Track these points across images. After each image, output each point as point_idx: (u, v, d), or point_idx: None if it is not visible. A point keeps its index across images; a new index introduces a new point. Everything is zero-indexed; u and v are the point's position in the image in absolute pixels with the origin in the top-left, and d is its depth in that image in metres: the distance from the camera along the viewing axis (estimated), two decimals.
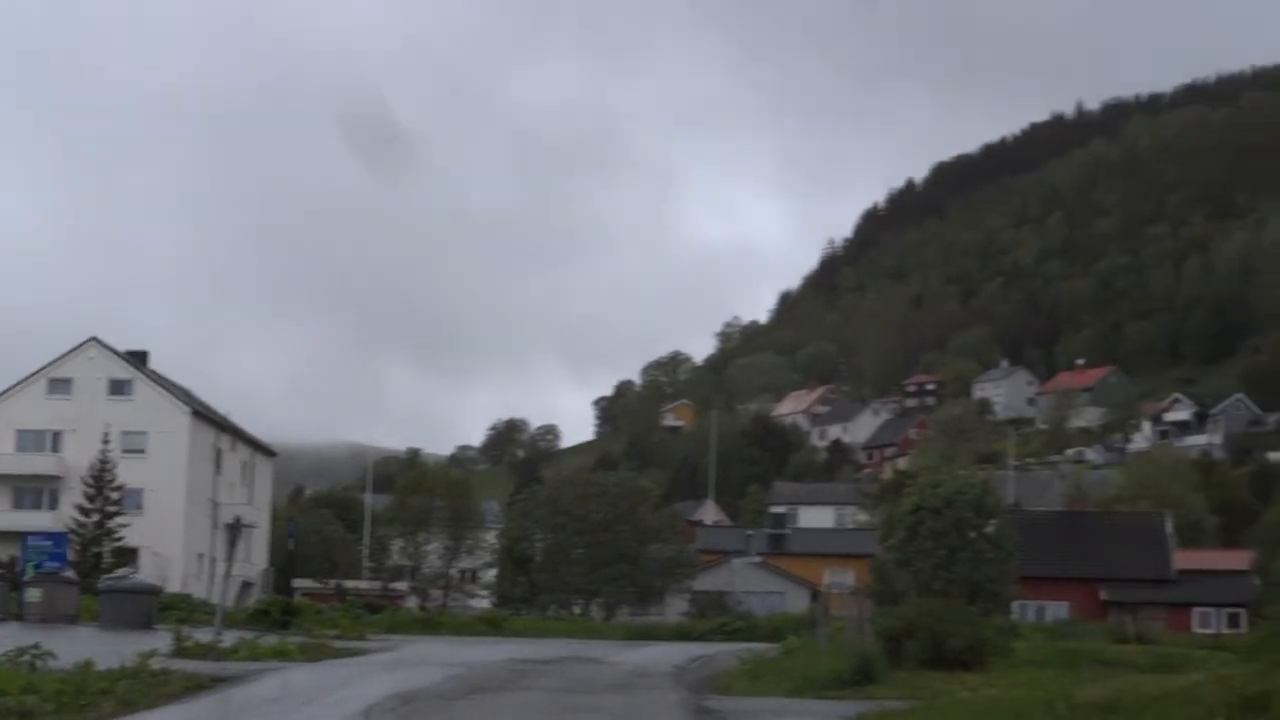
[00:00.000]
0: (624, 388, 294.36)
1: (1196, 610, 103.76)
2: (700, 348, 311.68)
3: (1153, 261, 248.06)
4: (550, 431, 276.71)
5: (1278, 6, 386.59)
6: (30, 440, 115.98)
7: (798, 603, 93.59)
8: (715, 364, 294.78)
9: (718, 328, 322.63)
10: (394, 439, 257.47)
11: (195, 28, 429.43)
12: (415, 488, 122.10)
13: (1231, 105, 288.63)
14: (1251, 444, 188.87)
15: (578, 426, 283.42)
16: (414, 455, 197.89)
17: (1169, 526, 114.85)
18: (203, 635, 42.77)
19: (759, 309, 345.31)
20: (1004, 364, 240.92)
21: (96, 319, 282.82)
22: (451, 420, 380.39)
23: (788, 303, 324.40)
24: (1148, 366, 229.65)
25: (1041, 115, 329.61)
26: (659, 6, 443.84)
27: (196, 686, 29.26)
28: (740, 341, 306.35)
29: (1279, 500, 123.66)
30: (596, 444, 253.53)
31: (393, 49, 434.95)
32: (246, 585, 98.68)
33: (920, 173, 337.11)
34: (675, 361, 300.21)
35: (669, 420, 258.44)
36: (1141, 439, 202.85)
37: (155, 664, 31.27)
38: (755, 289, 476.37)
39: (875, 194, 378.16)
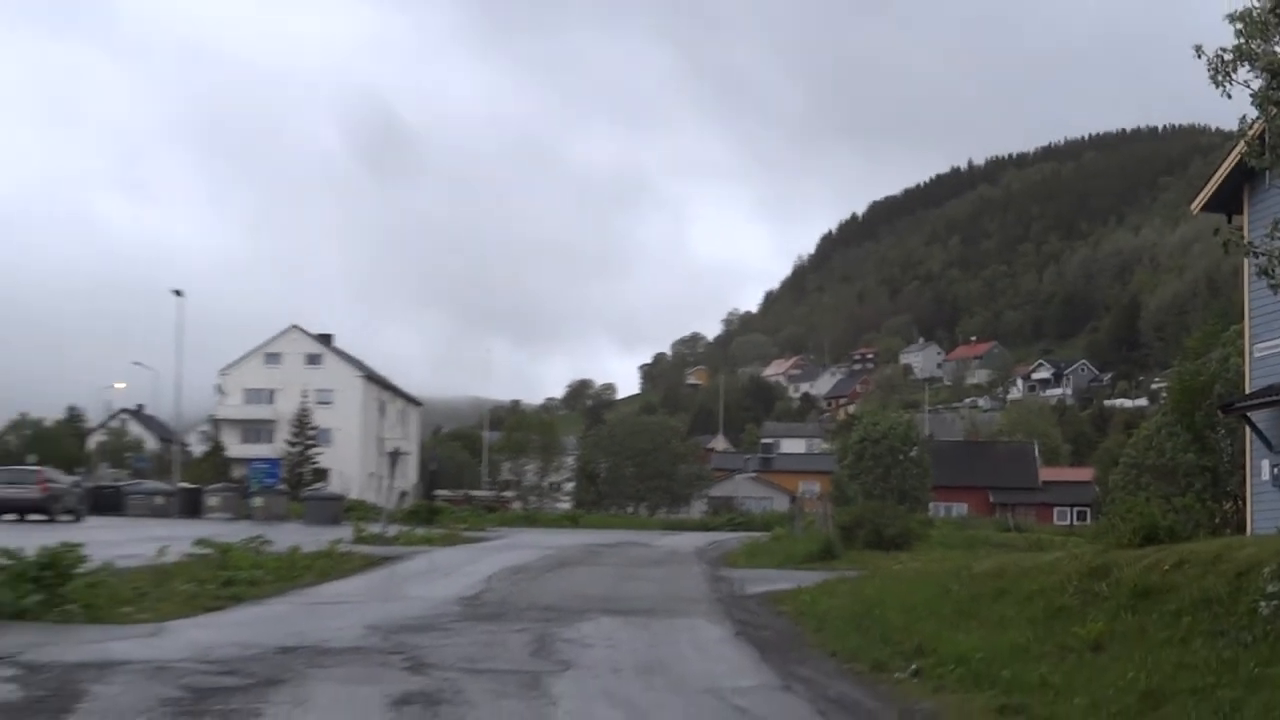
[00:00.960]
0: (659, 357, 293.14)
1: (1056, 508, 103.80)
2: (711, 329, 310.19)
3: (1022, 269, 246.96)
4: (609, 388, 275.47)
5: (1106, 92, 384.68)
6: (253, 396, 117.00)
7: (781, 505, 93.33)
8: (722, 341, 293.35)
9: (723, 315, 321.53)
10: (502, 393, 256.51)
11: (330, 106, 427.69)
12: (517, 427, 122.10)
13: (1075, 161, 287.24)
14: (1092, 394, 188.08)
15: (627, 384, 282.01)
16: (516, 404, 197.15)
17: (1036, 451, 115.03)
18: (374, 528, 42.89)
19: (751, 303, 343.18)
20: (920, 340, 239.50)
21: (297, 311, 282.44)
22: (541, 379, 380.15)
23: (771, 299, 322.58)
24: (1020, 341, 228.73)
25: (944, 168, 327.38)
26: (675, 94, 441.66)
27: (370, 563, 29.28)
28: (739, 325, 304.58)
29: (1111, 434, 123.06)
30: (641, 396, 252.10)
31: (495, 119, 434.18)
32: (403, 494, 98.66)
33: (860, 208, 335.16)
34: (694, 339, 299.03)
35: (691, 380, 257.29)
36: (1016, 391, 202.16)
37: (342, 548, 31.32)
38: (748, 289, 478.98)
39: (829, 223, 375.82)
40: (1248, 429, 26.26)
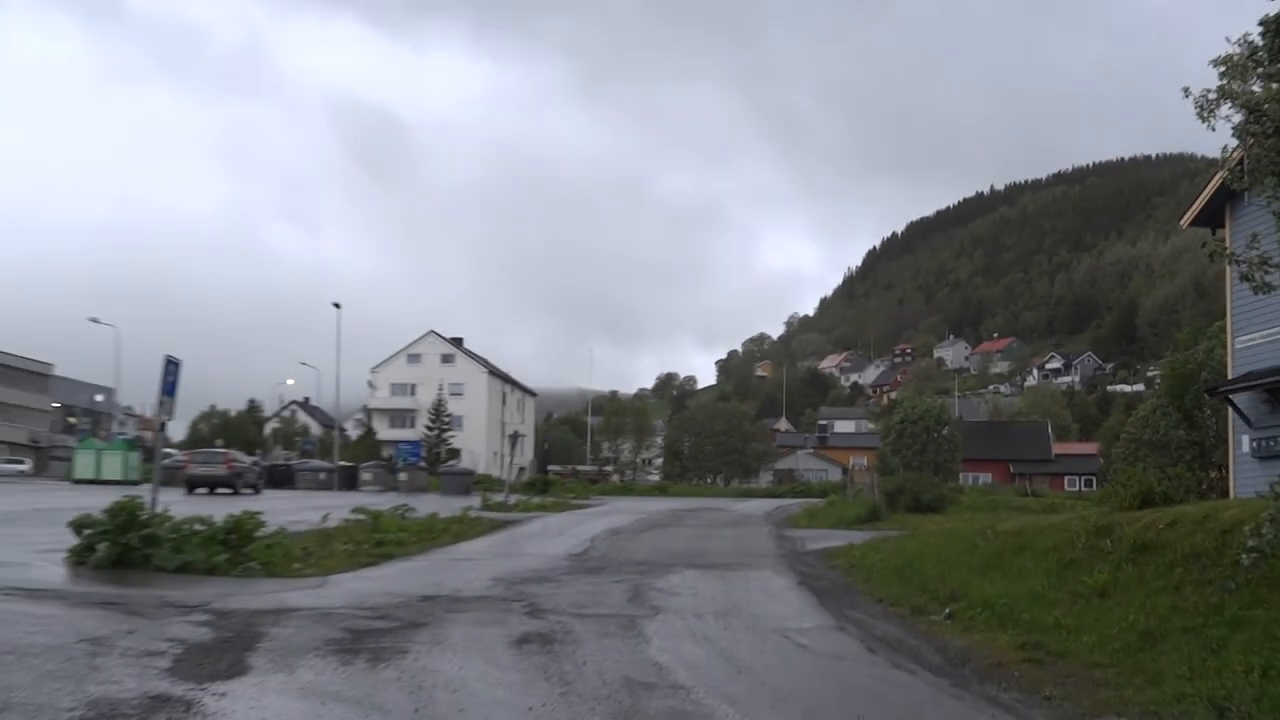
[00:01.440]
0: (732, 353, 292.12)
1: (1066, 477, 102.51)
2: (775, 329, 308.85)
3: (1037, 276, 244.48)
4: (691, 379, 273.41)
5: (1107, 126, 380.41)
6: (398, 389, 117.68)
7: (835, 476, 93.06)
8: (784, 339, 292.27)
9: (785, 318, 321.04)
10: (602, 384, 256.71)
11: (456, 145, 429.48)
12: (615, 412, 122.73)
13: (1081, 185, 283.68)
14: (1097, 381, 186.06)
15: (706, 376, 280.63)
16: (614, 394, 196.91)
17: (1049, 429, 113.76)
18: (497, 498, 43.18)
19: (808, 307, 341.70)
20: (951, 337, 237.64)
21: (434, 318, 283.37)
22: (634, 373, 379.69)
23: (825, 303, 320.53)
24: (1035, 337, 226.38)
25: (969, 192, 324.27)
26: (743, 134, 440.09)
27: (495, 526, 29.49)
28: (798, 326, 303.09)
29: (1113, 414, 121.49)
30: (717, 386, 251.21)
31: (595, 156, 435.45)
32: (521, 469, 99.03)
33: (900, 227, 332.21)
34: (761, 338, 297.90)
35: (759, 372, 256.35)
36: (1032, 379, 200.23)
37: (472, 514, 31.57)
38: (805, 295, 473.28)
39: (874, 239, 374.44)
40: (1230, 409, 26.19)
